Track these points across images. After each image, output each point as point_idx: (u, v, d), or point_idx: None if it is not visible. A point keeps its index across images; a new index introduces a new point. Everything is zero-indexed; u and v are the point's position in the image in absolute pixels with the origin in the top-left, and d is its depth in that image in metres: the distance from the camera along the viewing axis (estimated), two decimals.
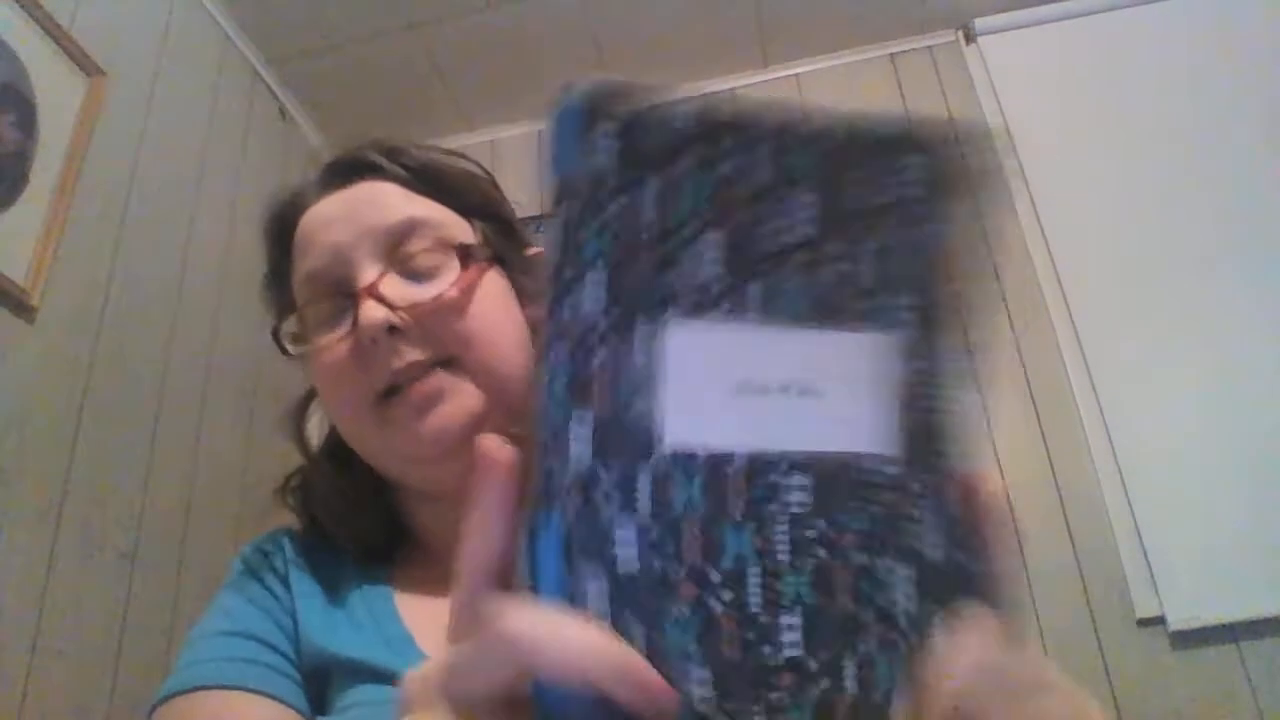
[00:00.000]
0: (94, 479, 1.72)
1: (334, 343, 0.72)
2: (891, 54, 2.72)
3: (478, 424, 0.70)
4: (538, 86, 2.77)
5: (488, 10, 2.49)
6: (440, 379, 0.70)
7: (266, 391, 2.35)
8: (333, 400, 0.76)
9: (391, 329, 0.69)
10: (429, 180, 0.79)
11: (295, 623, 0.73)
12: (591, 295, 0.37)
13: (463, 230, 0.77)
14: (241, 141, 2.43)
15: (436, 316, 0.71)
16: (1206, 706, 1.87)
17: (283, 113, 2.67)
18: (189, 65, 2.24)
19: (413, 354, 0.70)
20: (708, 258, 0.37)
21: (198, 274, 2.14)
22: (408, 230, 0.74)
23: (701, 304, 0.36)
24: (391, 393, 0.70)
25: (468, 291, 0.72)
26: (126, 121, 1.97)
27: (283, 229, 0.81)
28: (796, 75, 2.76)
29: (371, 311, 0.68)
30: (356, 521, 0.80)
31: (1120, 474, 2.09)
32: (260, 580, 0.78)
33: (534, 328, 0.71)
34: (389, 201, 0.76)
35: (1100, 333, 2.23)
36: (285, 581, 0.77)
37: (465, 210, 0.79)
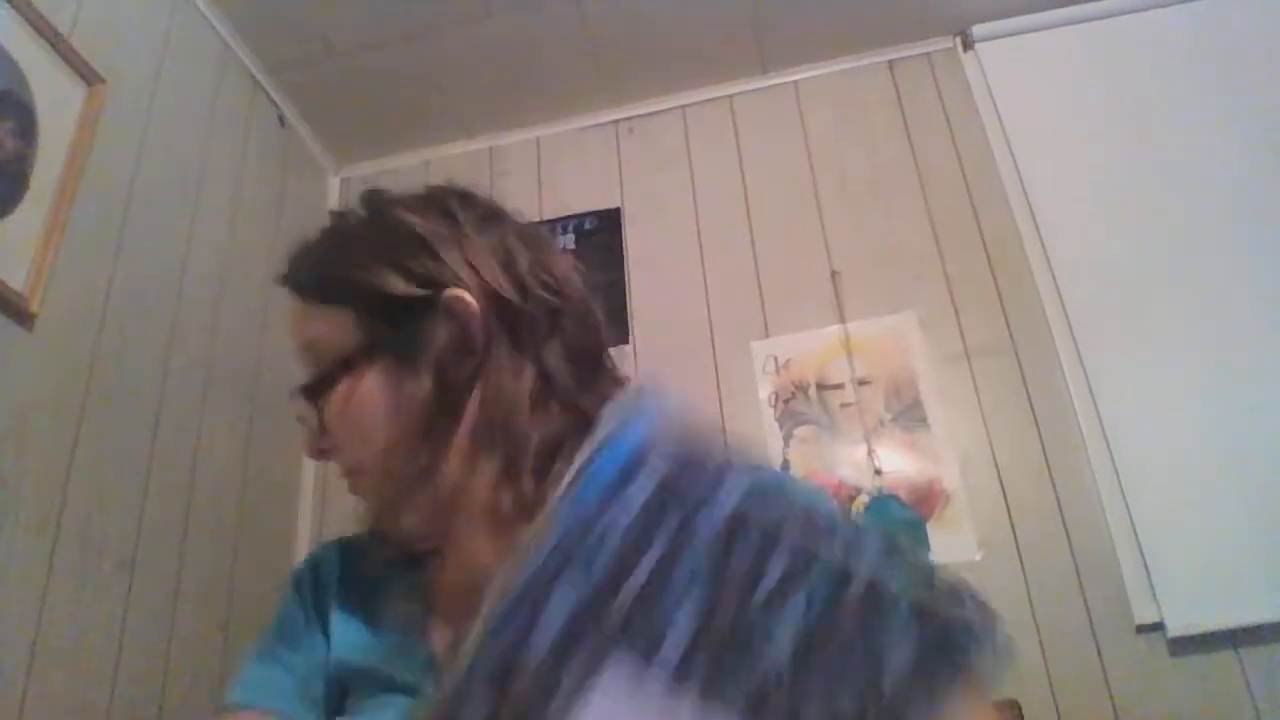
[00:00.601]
0: (93, 486, 1.72)
1: None
2: (889, 61, 2.73)
3: (390, 518, 0.81)
4: (536, 95, 2.78)
5: (486, 19, 2.49)
6: (355, 485, 0.82)
7: (265, 399, 2.36)
8: None
9: (314, 452, 0.82)
10: (312, 292, 0.84)
11: (327, 637, 0.83)
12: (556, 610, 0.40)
13: (345, 334, 0.80)
14: (241, 149, 2.44)
15: (330, 442, 0.81)
16: (1205, 712, 1.87)
17: (282, 120, 2.68)
18: (188, 73, 2.24)
19: (339, 462, 0.82)
20: (682, 613, 0.40)
21: (197, 281, 2.14)
22: (302, 356, 0.83)
23: (650, 653, 0.39)
24: None
25: (336, 413, 0.79)
26: (126, 129, 1.97)
27: None
28: (795, 82, 2.77)
29: (302, 437, 0.83)
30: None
31: (1119, 481, 2.09)
32: (300, 599, 0.87)
33: (425, 399, 0.77)
34: (293, 330, 0.85)
35: (1098, 340, 2.23)
36: (323, 598, 0.86)
37: (350, 305, 0.81)
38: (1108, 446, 2.12)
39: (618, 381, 0.85)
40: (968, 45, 2.66)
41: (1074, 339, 2.24)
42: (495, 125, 2.89)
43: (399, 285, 0.78)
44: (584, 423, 0.77)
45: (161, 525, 1.90)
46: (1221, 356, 2.14)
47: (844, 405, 2.30)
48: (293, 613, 0.86)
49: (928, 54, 2.72)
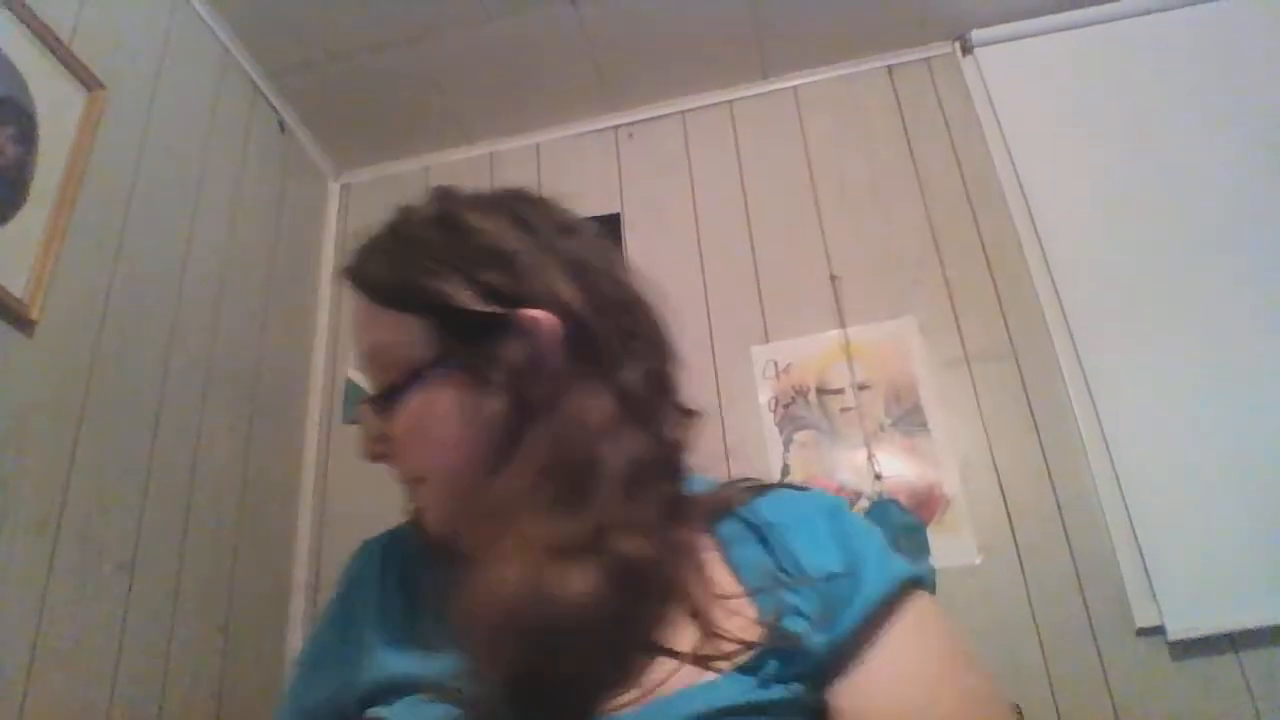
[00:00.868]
0: (93, 490, 1.72)
1: None
2: (889, 65, 2.73)
3: (442, 524, 0.82)
4: (536, 100, 2.78)
5: (486, 24, 2.50)
6: (413, 495, 0.84)
7: (264, 403, 2.36)
8: None
9: (374, 458, 0.82)
10: (382, 297, 0.81)
11: (361, 643, 0.82)
12: None
13: (416, 344, 0.78)
14: (241, 154, 2.44)
15: (393, 450, 0.81)
16: (1206, 716, 1.86)
17: (282, 126, 2.68)
18: (188, 78, 2.25)
19: (396, 469, 0.83)
20: None
21: (197, 286, 2.14)
22: (366, 361, 0.83)
23: None
24: None
25: (406, 424, 0.79)
26: (126, 135, 1.98)
27: None
28: (794, 87, 2.77)
29: (358, 442, 0.83)
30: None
31: (1119, 484, 2.09)
32: (344, 601, 0.89)
33: (501, 417, 0.75)
34: (357, 332, 0.84)
35: (1098, 343, 2.23)
36: (364, 598, 0.87)
37: (421, 314, 0.79)
38: (1107, 450, 2.12)
39: (686, 410, 0.85)
40: (967, 50, 2.67)
41: (1073, 343, 2.24)
42: (495, 131, 2.89)
43: (475, 301, 0.76)
44: (662, 451, 0.79)
45: (161, 527, 1.90)
46: (1221, 360, 2.14)
47: (844, 410, 2.30)
48: (335, 615, 0.88)
49: (927, 59, 2.72)
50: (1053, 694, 1.92)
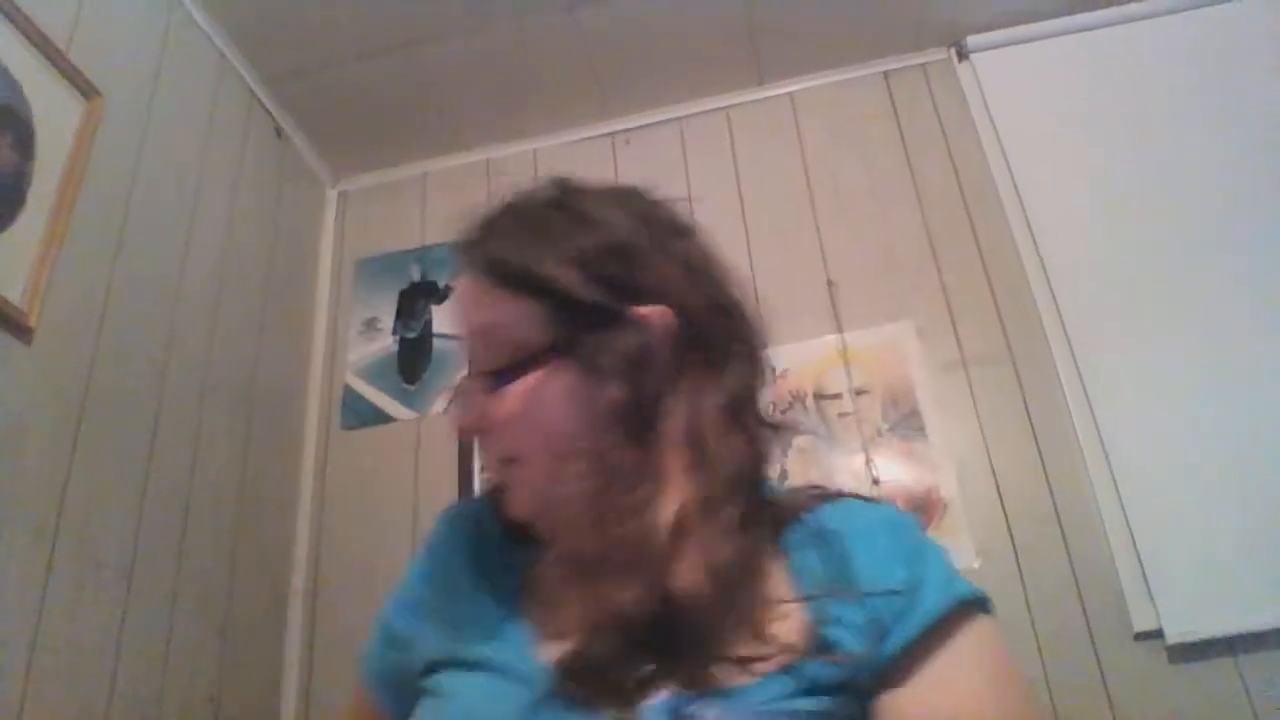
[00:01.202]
0: (90, 497, 1.72)
1: None
2: (885, 72, 2.74)
3: (538, 510, 0.82)
4: (532, 107, 2.79)
5: (482, 30, 2.50)
6: (503, 473, 0.83)
7: (262, 408, 2.36)
8: None
9: (471, 433, 0.83)
10: (500, 277, 0.82)
11: (423, 613, 0.87)
12: None
13: (532, 327, 0.79)
14: (238, 161, 2.44)
15: (494, 428, 0.81)
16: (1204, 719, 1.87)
17: (279, 132, 2.68)
18: (185, 86, 2.25)
19: (490, 447, 0.83)
20: None
21: (194, 293, 2.14)
22: (474, 340, 0.83)
23: None
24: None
25: (515, 405, 0.79)
26: (123, 142, 1.98)
27: None
28: (790, 93, 2.77)
29: (453, 416, 0.83)
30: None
31: (1116, 488, 2.09)
32: (427, 561, 0.92)
33: (619, 408, 0.77)
34: (468, 307, 0.84)
35: (1095, 347, 2.23)
36: (438, 564, 0.90)
37: (540, 299, 0.80)
38: (1105, 454, 2.12)
39: (772, 423, 0.86)
40: (963, 56, 2.67)
41: (1071, 347, 2.24)
42: (492, 137, 2.89)
43: (595, 291, 0.78)
44: (755, 457, 0.81)
45: (159, 532, 1.90)
46: (1219, 363, 2.15)
47: (841, 415, 2.30)
48: (414, 577, 0.91)
49: (923, 65, 2.73)
50: (1051, 698, 1.92)
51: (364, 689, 0.92)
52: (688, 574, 0.72)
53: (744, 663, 0.69)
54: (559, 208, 0.84)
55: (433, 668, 0.81)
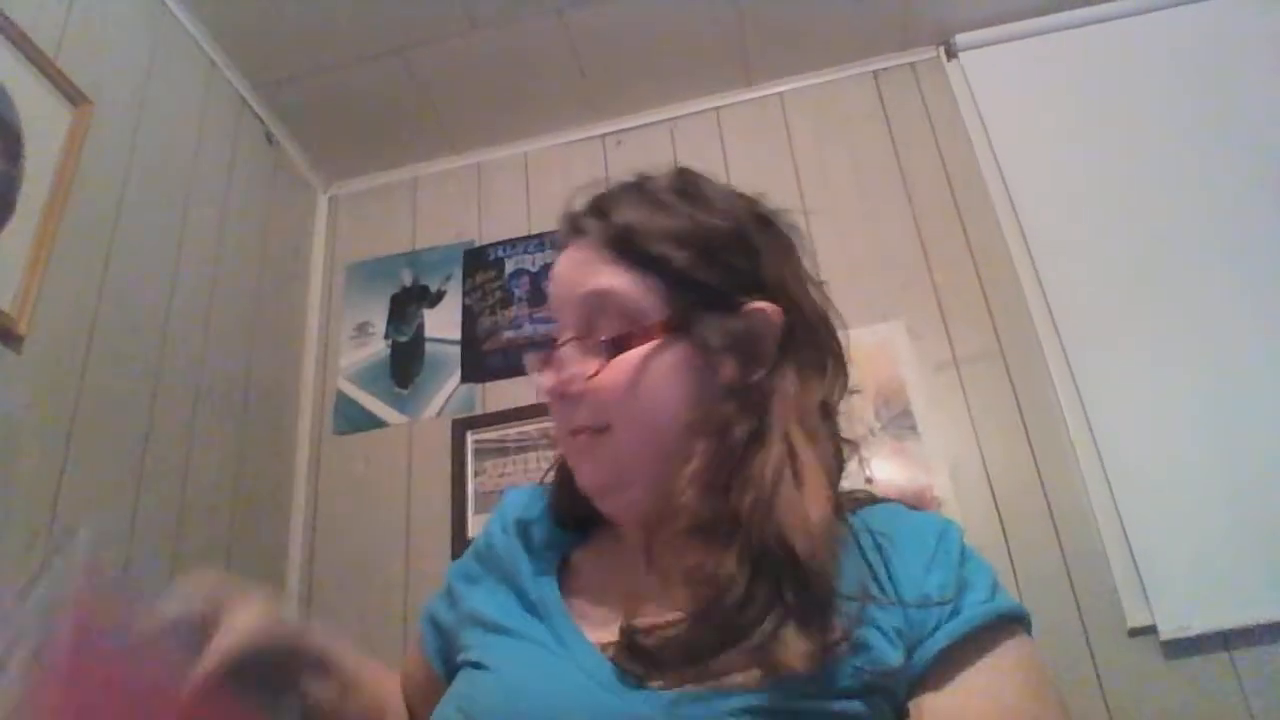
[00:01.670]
0: (84, 504, 1.71)
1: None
2: (874, 71, 2.74)
3: (617, 485, 0.82)
4: (523, 110, 2.79)
5: (471, 33, 2.50)
6: (588, 441, 0.82)
7: (255, 414, 2.36)
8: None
9: (561, 395, 0.82)
10: (624, 247, 0.83)
11: (471, 588, 0.92)
12: None
13: (649, 300, 0.81)
14: (228, 166, 2.44)
15: (594, 392, 0.80)
16: (1199, 715, 1.87)
17: (269, 138, 2.68)
18: (175, 92, 2.25)
19: (576, 415, 0.82)
20: None
21: (185, 299, 2.14)
22: (590, 304, 0.82)
23: None
24: (568, 434, 0.84)
25: (621, 375, 0.79)
26: (113, 148, 1.98)
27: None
28: (780, 93, 2.78)
29: (545, 379, 0.83)
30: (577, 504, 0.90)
31: (1109, 485, 2.09)
32: (484, 541, 0.96)
33: (731, 387, 0.80)
34: (582, 273, 0.84)
35: (1086, 344, 2.24)
36: (493, 548, 0.93)
37: (660, 275, 0.82)
38: (1097, 450, 2.13)
39: (841, 435, 0.87)
40: (951, 55, 2.68)
41: (1062, 345, 2.25)
42: (483, 140, 2.89)
43: (716, 276, 0.81)
44: (840, 464, 0.83)
45: (153, 539, 1.90)
46: (1210, 360, 2.15)
47: None
48: (471, 554, 0.96)
49: (912, 64, 2.73)
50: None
51: (418, 647, 0.98)
52: (729, 565, 0.73)
53: (774, 658, 0.69)
54: (684, 194, 0.86)
55: (477, 633, 0.84)
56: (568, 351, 0.83)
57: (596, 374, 0.80)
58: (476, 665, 0.80)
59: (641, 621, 0.74)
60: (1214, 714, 1.87)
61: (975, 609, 0.73)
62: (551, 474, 0.95)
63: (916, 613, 0.72)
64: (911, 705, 0.71)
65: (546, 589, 0.84)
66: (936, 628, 0.72)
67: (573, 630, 0.79)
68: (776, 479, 0.75)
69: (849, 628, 0.70)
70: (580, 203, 0.89)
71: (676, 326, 0.80)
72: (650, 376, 0.79)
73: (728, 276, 0.82)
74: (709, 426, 0.78)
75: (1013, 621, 0.75)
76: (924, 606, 0.72)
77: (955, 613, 0.72)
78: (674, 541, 0.76)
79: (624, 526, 0.87)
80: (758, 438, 0.77)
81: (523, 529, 0.92)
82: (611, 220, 0.84)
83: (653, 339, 0.80)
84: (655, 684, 0.70)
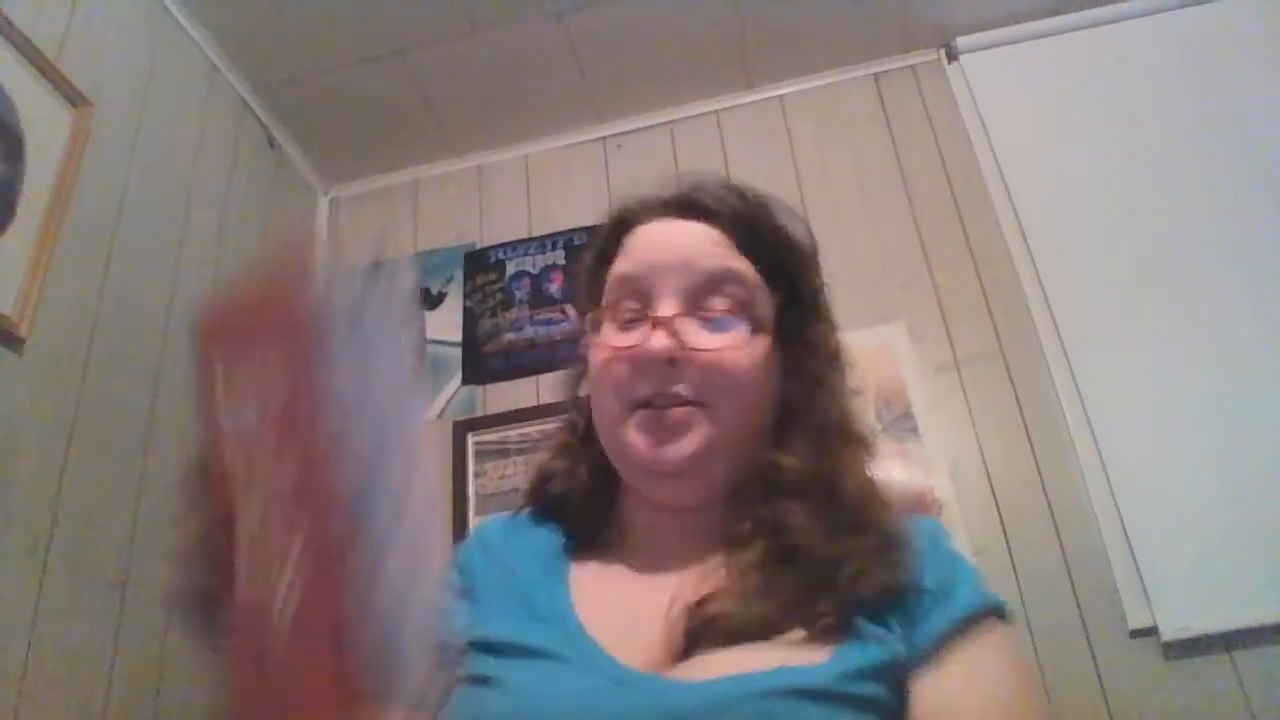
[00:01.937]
0: (83, 508, 1.71)
1: (620, 347, 0.84)
2: (875, 74, 2.75)
3: (701, 464, 0.82)
4: (524, 112, 2.79)
5: (472, 36, 2.51)
6: (690, 414, 0.82)
7: None
8: (600, 391, 0.87)
9: (670, 361, 0.81)
10: (750, 238, 0.88)
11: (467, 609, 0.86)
12: None
13: (763, 295, 0.87)
14: (229, 169, 2.44)
15: (710, 367, 0.82)
16: (1200, 716, 1.87)
17: (271, 140, 2.68)
18: (176, 94, 2.25)
19: (677, 386, 0.82)
20: None
21: (186, 302, 2.14)
22: (721, 280, 0.85)
23: None
24: (645, 405, 0.83)
25: (744, 356, 0.83)
26: (114, 151, 1.98)
27: (620, 228, 0.93)
28: (780, 96, 2.78)
29: (661, 340, 0.81)
30: (582, 509, 0.91)
31: (1110, 486, 2.09)
32: (463, 568, 0.91)
33: (781, 398, 0.86)
34: (712, 249, 0.86)
35: (1086, 344, 2.24)
36: (472, 572, 0.90)
37: (772, 275, 0.88)
38: (1098, 451, 2.12)
39: None
40: (952, 57, 2.68)
41: (1063, 346, 2.25)
42: (483, 143, 2.90)
43: (811, 293, 0.91)
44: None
45: (153, 543, 1.89)
46: (1211, 360, 2.15)
47: None
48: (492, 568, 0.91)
49: (912, 66, 2.73)
50: (1047, 696, 1.92)
51: None
52: (749, 556, 0.79)
53: (776, 642, 0.72)
54: (778, 209, 0.94)
55: (479, 648, 0.80)
56: (683, 324, 0.83)
57: (706, 348, 0.82)
58: (482, 682, 0.76)
59: (706, 594, 0.76)
60: (1215, 715, 1.87)
61: (967, 599, 0.77)
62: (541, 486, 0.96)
63: (915, 602, 0.76)
64: (912, 686, 0.73)
65: (558, 596, 0.83)
66: (928, 615, 0.75)
67: (588, 638, 0.78)
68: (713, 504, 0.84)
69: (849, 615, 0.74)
70: (693, 181, 0.92)
71: (778, 329, 0.86)
72: (755, 364, 0.84)
73: (811, 295, 0.91)
74: (753, 425, 0.85)
75: (998, 613, 0.78)
76: (919, 594, 0.76)
77: (948, 602, 0.76)
78: (722, 513, 0.83)
79: (671, 508, 0.87)
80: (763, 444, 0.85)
81: (513, 546, 0.92)
82: (751, 210, 0.90)
83: (764, 332, 0.85)
84: (674, 674, 0.71)
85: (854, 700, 0.69)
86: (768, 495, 0.81)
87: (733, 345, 0.82)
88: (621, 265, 0.89)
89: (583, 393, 0.95)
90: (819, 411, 0.86)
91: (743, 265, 0.86)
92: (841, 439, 0.85)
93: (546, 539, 0.91)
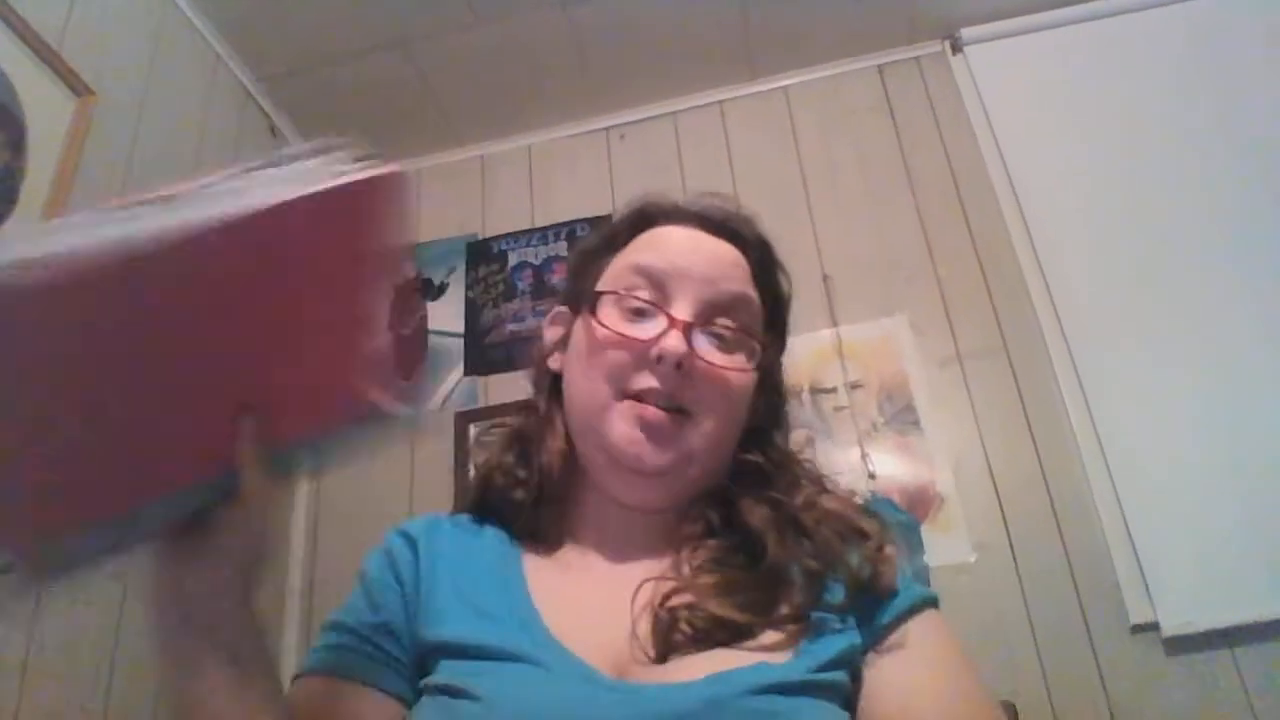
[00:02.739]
0: None
1: (628, 335, 0.84)
2: (879, 65, 2.74)
3: (681, 470, 0.84)
4: (526, 103, 2.78)
5: (475, 26, 2.50)
6: (674, 422, 0.83)
7: None
8: (589, 370, 0.87)
9: (680, 365, 0.81)
10: (763, 273, 0.93)
11: (414, 610, 0.84)
12: None
13: (762, 325, 0.91)
14: (232, 159, 2.43)
15: (713, 382, 0.84)
16: (1201, 712, 1.87)
17: (273, 130, 2.68)
18: (178, 83, 2.24)
19: (674, 390, 0.82)
20: None
21: None
22: (738, 304, 0.88)
23: None
24: (636, 398, 0.83)
25: (743, 380, 0.86)
26: (116, 140, 1.97)
27: (641, 219, 0.95)
28: (784, 87, 2.77)
29: (678, 343, 0.82)
30: (527, 507, 0.90)
31: (1112, 481, 2.09)
32: (390, 569, 0.90)
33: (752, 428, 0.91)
34: (736, 272, 0.90)
35: (1090, 340, 2.23)
36: (416, 570, 0.88)
37: (770, 312, 0.93)
38: (1101, 447, 2.12)
39: None
40: (956, 49, 2.67)
41: (1066, 341, 2.25)
42: (486, 133, 2.89)
43: (785, 337, 0.97)
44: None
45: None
46: (1214, 355, 2.15)
47: (837, 409, 2.30)
48: (374, 583, 0.90)
49: (917, 58, 2.73)
50: (1048, 691, 1.92)
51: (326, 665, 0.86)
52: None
53: (751, 638, 0.75)
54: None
55: (443, 653, 0.77)
56: (697, 335, 0.84)
57: (727, 369, 0.85)
58: (453, 692, 0.72)
59: (669, 593, 0.77)
60: (1216, 711, 1.87)
61: (913, 591, 0.82)
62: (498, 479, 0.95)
63: (868, 597, 0.80)
64: (865, 669, 0.77)
65: (518, 598, 0.82)
66: (884, 606, 0.80)
67: (555, 641, 0.76)
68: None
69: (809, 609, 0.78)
70: (724, 205, 0.97)
71: (763, 355, 0.89)
72: (745, 386, 0.87)
73: (784, 338, 0.97)
74: (726, 446, 0.88)
75: (934, 604, 0.82)
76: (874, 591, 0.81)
77: (893, 594, 0.80)
78: (678, 513, 0.87)
79: (641, 509, 0.88)
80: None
81: (459, 545, 0.89)
82: (767, 250, 0.96)
83: (756, 359, 0.88)
84: (650, 677, 0.72)
85: (824, 688, 0.71)
86: (725, 496, 0.86)
87: (738, 367, 0.85)
88: (644, 256, 0.89)
89: (554, 365, 0.96)
90: (777, 444, 0.93)
91: (755, 296, 0.90)
92: (794, 468, 0.91)
93: (494, 538, 0.90)
